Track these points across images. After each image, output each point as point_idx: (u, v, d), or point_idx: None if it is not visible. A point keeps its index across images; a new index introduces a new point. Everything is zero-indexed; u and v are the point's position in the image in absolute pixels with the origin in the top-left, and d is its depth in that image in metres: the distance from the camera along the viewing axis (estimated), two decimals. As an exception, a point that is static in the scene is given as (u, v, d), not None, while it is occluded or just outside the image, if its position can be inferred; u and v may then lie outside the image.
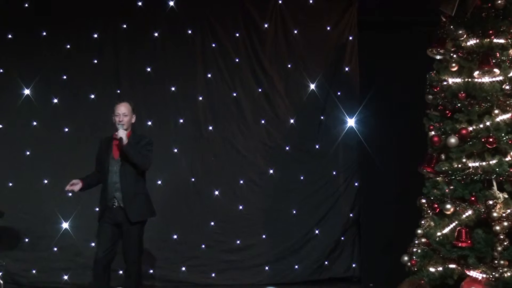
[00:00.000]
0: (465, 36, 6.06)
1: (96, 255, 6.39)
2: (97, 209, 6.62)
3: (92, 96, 8.34)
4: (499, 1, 5.90)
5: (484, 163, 5.86)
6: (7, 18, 8.29)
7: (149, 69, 8.48)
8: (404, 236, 6.49)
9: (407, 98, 7.57)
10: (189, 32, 8.55)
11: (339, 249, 8.58)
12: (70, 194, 7.87)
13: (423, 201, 6.31)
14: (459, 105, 6.08)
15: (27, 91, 8.27)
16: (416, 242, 6.26)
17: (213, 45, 8.57)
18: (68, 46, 8.39)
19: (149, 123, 8.44)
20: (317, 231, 8.55)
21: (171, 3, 8.43)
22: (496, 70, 5.88)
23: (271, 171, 8.59)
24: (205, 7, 8.55)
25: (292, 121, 8.62)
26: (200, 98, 8.56)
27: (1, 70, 8.34)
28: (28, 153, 8.28)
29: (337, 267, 8.58)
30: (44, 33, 8.37)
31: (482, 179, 5.92)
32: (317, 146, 8.63)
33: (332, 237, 8.54)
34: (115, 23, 8.47)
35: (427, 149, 6.37)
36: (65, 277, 8.15)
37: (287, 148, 8.62)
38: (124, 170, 6.39)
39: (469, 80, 6.02)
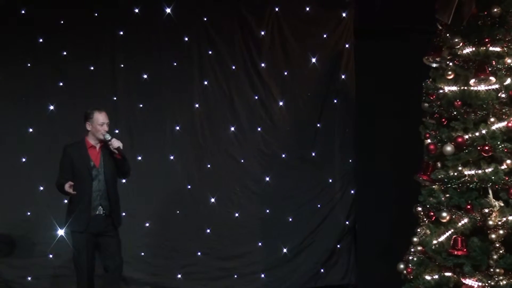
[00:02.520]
0: (461, 44, 6.06)
1: (81, 269, 6.39)
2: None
3: (89, 103, 8.31)
4: (495, 9, 5.90)
5: (480, 171, 5.86)
6: (3, 24, 8.28)
7: (145, 76, 8.48)
8: (400, 244, 6.49)
9: (403, 105, 7.58)
10: (186, 39, 8.55)
11: (335, 256, 8.57)
12: (65, 201, 7.88)
13: (419, 209, 6.30)
14: (455, 113, 6.07)
15: (23, 98, 8.27)
16: (412, 250, 6.26)
17: (210, 52, 8.57)
18: (65, 53, 8.38)
19: (146, 130, 8.44)
20: (313, 239, 8.54)
21: (168, 10, 8.43)
22: (492, 78, 5.87)
23: (267, 179, 8.58)
24: (202, 15, 8.54)
25: (288, 128, 8.62)
26: (197, 105, 8.56)
27: (-2, 77, 8.35)
28: (24, 159, 8.26)
29: (333, 274, 8.57)
30: (41, 40, 8.36)
31: (478, 187, 5.91)
32: (313, 154, 8.63)
33: (328, 245, 8.53)
34: (112, 30, 8.46)
35: (423, 157, 6.38)
36: (61, 284, 8.13)
37: (283, 155, 8.61)
38: (108, 178, 6.43)
39: (465, 88, 6.01)
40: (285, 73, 8.65)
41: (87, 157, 6.43)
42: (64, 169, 6.48)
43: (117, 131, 8.02)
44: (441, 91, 6.16)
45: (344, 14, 8.64)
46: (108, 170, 6.46)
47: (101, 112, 6.49)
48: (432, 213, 6.19)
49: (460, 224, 5.92)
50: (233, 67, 8.61)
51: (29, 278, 8.15)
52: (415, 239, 6.23)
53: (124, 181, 7.60)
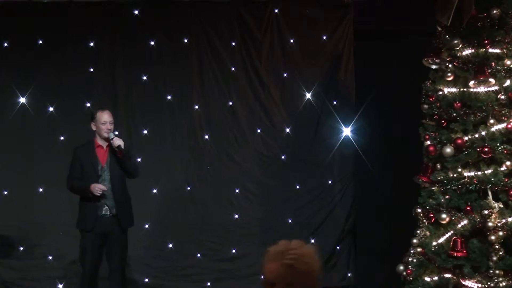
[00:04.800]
0: (460, 46, 6.06)
1: (84, 268, 6.39)
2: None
3: (88, 105, 8.30)
4: (495, 11, 5.90)
5: (479, 173, 5.86)
6: (3, 26, 8.28)
7: (145, 78, 8.48)
8: (400, 246, 6.48)
9: (403, 107, 7.57)
10: (185, 41, 8.54)
11: (335, 258, 8.55)
12: (66, 202, 7.88)
13: (419, 210, 6.29)
14: (454, 114, 6.07)
15: (22, 100, 8.26)
16: (412, 251, 6.25)
17: (209, 54, 8.57)
18: (64, 54, 8.38)
19: (145, 131, 8.44)
20: (312, 240, 8.51)
21: (168, 12, 8.44)
22: (492, 80, 5.87)
23: (267, 180, 8.57)
24: (201, 16, 8.54)
25: (288, 130, 8.61)
26: (196, 107, 8.56)
27: (-3, 78, 8.34)
28: (24, 161, 8.25)
29: (333, 276, 8.53)
30: (40, 42, 8.36)
31: (478, 188, 5.91)
32: (313, 155, 8.61)
33: (327, 246, 8.50)
34: (111, 32, 8.47)
35: (423, 159, 6.37)
36: (60, 286, 8.12)
37: (283, 157, 8.60)
38: (114, 178, 6.44)
39: (465, 89, 6.01)
40: (285, 75, 8.64)
41: (94, 157, 6.49)
42: (75, 170, 6.55)
43: (116, 132, 7.97)
44: (440, 92, 6.16)
45: (343, 16, 8.63)
46: (114, 169, 6.48)
47: (104, 111, 6.55)
48: (431, 215, 6.19)
49: (459, 225, 5.92)
50: (233, 69, 8.60)
51: (29, 280, 8.13)
52: (414, 241, 6.23)
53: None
